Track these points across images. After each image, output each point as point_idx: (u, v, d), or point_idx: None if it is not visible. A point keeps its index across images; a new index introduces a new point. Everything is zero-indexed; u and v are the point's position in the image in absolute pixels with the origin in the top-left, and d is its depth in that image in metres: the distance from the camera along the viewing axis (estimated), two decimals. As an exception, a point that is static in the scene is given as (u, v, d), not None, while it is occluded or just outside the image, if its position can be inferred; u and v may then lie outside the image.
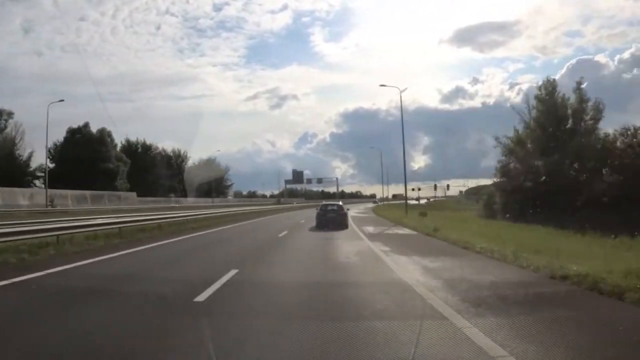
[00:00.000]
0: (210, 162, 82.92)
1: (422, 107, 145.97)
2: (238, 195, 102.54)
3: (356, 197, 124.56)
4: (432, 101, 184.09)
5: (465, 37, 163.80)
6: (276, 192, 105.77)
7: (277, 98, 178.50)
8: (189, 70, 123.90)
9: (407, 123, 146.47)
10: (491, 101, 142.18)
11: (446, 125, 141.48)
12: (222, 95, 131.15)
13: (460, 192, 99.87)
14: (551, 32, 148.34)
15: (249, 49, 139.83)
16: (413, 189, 74.91)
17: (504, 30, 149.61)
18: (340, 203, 24.94)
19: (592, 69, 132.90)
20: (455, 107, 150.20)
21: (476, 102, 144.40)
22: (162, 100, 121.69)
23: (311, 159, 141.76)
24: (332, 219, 21.50)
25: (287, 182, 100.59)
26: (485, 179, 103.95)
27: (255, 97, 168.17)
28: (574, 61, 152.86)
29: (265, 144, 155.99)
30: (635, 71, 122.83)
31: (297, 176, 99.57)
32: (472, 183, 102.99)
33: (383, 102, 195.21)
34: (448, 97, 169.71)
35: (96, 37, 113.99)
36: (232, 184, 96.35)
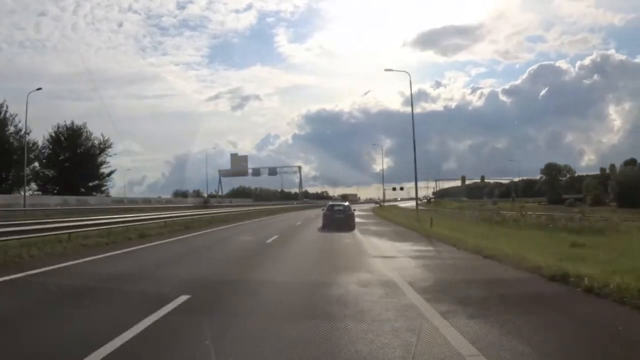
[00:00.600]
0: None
1: (385, 110, 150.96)
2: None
3: (322, 198, 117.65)
4: (395, 104, 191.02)
5: (429, 40, 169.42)
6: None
7: (239, 98, 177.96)
8: (150, 69, 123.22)
9: (369, 126, 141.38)
10: (453, 104, 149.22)
11: (408, 128, 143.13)
12: (183, 95, 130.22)
13: (427, 196, 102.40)
14: (513, 37, 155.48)
15: (212, 49, 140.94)
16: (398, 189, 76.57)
17: (467, 34, 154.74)
18: (347, 203, 24.85)
19: (553, 74, 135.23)
20: (417, 109, 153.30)
21: (438, 106, 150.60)
22: (123, 99, 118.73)
23: (273, 161, 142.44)
24: (339, 220, 21.32)
25: (222, 173, 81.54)
26: (447, 181, 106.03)
27: (217, 97, 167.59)
28: (535, 66, 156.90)
29: (227, 145, 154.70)
30: (595, 77, 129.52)
31: (238, 164, 77.93)
32: (433, 186, 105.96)
33: (346, 104, 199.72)
34: (410, 100, 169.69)
35: (56, 33, 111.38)
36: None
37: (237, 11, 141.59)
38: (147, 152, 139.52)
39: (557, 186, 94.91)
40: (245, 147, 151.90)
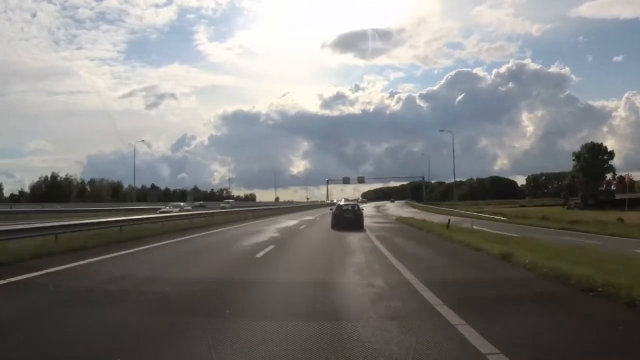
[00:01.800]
0: None
1: (303, 113, 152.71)
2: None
3: (249, 200, 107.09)
4: (313, 107, 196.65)
5: (349, 43, 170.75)
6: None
7: (154, 97, 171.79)
8: (64, 64, 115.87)
9: (287, 128, 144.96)
10: (371, 108, 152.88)
11: (326, 131, 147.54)
12: (97, 92, 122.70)
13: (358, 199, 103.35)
14: (433, 43, 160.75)
15: (130, 44, 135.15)
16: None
17: (388, 38, 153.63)
18: (356, 203, 27.03)
19: (470, 81, 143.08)
20: (335, 113, 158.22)
21: (356, 109, 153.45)
22: (34, 95, 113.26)
23: (189, 163, 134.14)
24: (348, 219, 21.93)
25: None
26: (364, 184, 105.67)
27: (131, 95, 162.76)
28: (453, 73, 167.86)
29: (142, 145, 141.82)
30: (510, 85, 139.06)
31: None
32: (350, 188, 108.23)
33: (264, 106, 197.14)
34: (329, 103, 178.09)
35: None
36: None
37: (157, 6, 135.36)
38: (59, 152, 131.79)
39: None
40: (160, 148, 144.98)
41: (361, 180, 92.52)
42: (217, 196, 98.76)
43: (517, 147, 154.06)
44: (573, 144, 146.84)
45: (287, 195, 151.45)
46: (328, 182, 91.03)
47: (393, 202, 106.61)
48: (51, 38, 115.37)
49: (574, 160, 79.16)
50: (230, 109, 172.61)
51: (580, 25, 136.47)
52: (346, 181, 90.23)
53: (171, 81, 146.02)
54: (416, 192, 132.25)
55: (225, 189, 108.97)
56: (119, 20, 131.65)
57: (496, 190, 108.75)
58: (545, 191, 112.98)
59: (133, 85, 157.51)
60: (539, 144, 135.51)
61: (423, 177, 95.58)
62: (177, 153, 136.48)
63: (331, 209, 25.26)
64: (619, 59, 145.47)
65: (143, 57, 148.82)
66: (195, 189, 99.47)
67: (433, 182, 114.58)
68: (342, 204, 25.82)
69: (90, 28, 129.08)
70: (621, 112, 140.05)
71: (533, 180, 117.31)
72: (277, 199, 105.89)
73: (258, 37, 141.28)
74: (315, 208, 62.86)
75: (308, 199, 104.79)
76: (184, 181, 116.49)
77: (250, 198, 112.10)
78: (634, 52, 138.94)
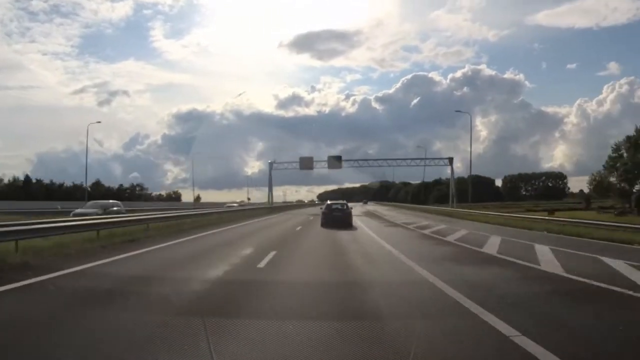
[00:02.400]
0: None
1: (259, 113, 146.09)
2: None
3: (172, 199, 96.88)
4: (269, 107, 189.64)
5: (305, 43, 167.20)
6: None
7: (106, 93, 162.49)
8: (15, 57, 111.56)
9: (242, 128, 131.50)
10: (327, 110, 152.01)
11: (281, 132, 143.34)
12: (49, 87, 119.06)
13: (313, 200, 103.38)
14: (390, 45, 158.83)
15: (84, 39, 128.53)
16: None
17: (345, 39, 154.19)
18: (345, 202, 26.78)
19: (426, 84, 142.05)
20: (290, 113, 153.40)
21: (312, 110, 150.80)
22: None
23: (142, 162, 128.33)
24: (337, 218, 22.87)
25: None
26: (321, 185, 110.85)
27: (82, 90, 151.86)
28: (409, 76, 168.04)
29: (93, 143, 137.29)
30: (465, 89, 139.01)
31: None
32: (304, 190, 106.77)
33: (218, 105, 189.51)
34: (284, 104, 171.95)
35: None
36: None
37: (112, 0, 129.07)
38: (9, 148, 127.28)
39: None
40: (112, 146, 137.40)
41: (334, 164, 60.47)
42: (127, 194, 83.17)
43: (470, 150, 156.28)
44: (525, 149, 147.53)
45: (241, 195, 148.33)
46: (271, 166, 63.41)
47: (366, 203, 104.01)
48: (3, 30, 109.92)
49: (614, 155, 56.81)
50: (185, 107, 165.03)
51: (536, 32, 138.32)
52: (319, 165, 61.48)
53: (125, 77, 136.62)
54: (379, 193, 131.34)
55: (138, 185, 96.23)
56: (73, 14, 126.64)
57: (475, 190, 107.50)
58: (524, 193, 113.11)
59: (85, 81, 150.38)
60: (492, 148, 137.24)
61: (391, 180, 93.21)
62: (130, 151, 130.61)
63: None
64: (572, 66, 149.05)
65: (97, 52, 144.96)
66: (98, 183, 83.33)
67: (397, 182, 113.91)
68: (331, 202, 26.20)
69: (44, 21, 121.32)
70: (572, 118, 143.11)
71: (509, 181, 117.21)
72: (198, 198, 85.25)
73: (214, 35, 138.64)
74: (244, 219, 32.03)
75: (249, 199, 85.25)
76: (136, 180, 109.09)
77: (174, 197, 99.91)
78: (587, 60, 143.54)
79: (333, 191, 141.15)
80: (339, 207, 24.64)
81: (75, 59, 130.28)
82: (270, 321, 5.01)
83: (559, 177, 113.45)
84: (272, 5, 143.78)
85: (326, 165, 60.05)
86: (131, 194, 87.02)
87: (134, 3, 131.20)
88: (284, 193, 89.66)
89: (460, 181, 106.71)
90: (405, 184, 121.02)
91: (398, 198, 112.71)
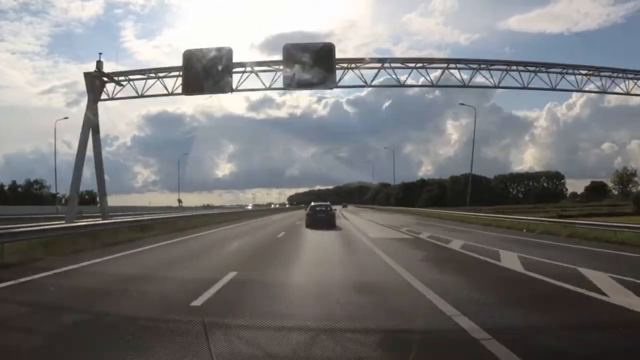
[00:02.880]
0: None
1: (229, 115, 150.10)
2: None
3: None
4: (240, 109, 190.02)
5: (277, 44, 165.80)
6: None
7: (75, 94, 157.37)
8: None
9: (213, 130, 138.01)
10: (298, 112, 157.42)
11: (252, 134, 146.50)
12: (17, 87, 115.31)
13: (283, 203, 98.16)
14: (362, 47, 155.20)
15: (54, 38, 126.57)
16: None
17: (317, 41, 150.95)
18: (329, 203, 26.76)
19: (397, 88, 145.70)
20: (261, 116, 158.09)
21: (283, 113, 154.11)
22: None
23: (112, 164, 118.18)
24: (321, 219, 23.07)
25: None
26: (292, 188, 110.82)
27: (50, 91, 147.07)
28: (381, 79, 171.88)
29: (62, 145, 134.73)
30: (436, 93, 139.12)
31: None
32: (275, 192, 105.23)
33: (189, 107, 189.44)
34: (255, 106, 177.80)
35: None
36: None
37: None
38: None
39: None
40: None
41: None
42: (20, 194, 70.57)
43: (441, 153, 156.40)
44: (495, 151, 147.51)
45: (212, 199, 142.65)
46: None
47: (345, 206, 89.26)
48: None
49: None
50: (154, 109, 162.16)
51: (507, 36, 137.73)
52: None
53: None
54: (356, 195, 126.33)
55: (37, 182, 78.27)
56: (43, 12, 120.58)
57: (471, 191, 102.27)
58: (520, 195, 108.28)
59: (54, 81, 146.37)
60: (463, 151, 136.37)
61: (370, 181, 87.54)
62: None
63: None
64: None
65: (67, 52, 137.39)
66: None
67: (375, 183, 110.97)
68: (314, 204, 26.14)
69: (13, 19, 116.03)
70: (542, 122, 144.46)
71: (501, 181, 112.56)
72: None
73: (186, 35, 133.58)
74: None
75: (180, 202, 71.20)
76: (105, 183, 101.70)
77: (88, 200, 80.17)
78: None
79: (305, 193, 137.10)
80: (323, 208, 24.85)
81: (44, 58, 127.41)
82: None
83: (555, 177, 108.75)
84: (243, 7, 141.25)
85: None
86: (26, 194, 71.96)
87: (105, 2, 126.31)
88: (254, 196, 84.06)
89: (455, 180, 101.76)
90: (385, 185, 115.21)
91: (377, 200, 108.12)
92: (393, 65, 20.62)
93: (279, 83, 19.02)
